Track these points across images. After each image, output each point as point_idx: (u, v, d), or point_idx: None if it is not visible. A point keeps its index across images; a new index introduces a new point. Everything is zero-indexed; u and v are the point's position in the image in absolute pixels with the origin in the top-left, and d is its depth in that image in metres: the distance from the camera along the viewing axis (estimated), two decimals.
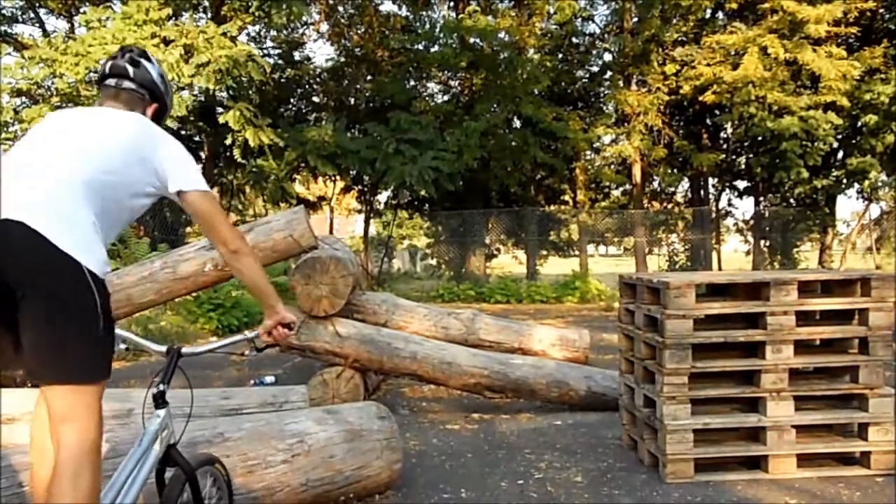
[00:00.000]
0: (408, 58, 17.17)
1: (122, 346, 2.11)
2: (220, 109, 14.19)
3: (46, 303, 1.64)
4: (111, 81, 2.09)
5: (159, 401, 2.00)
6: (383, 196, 18.83)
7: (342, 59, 19.04)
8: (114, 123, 1.95)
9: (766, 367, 3.20)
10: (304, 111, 18.44)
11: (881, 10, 15.25)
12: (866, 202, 17.26)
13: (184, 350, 2.10)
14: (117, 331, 1.96)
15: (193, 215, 2.02)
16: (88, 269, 1.70)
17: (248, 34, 16.54)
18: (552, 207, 19.97)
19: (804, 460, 3.24)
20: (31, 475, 1.87)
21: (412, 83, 18.01)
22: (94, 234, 1.78)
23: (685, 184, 20.00)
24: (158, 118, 2.16)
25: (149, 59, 2.15)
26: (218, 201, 2.10)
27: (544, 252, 19.21)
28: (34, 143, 1.88)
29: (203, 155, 16.44)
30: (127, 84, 2.09)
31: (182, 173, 1.97)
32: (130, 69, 2.09)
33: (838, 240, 18.23)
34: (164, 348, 2.10)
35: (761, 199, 18.28)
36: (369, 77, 18.38)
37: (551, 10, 16.73)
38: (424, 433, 4.17)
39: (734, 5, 15.57)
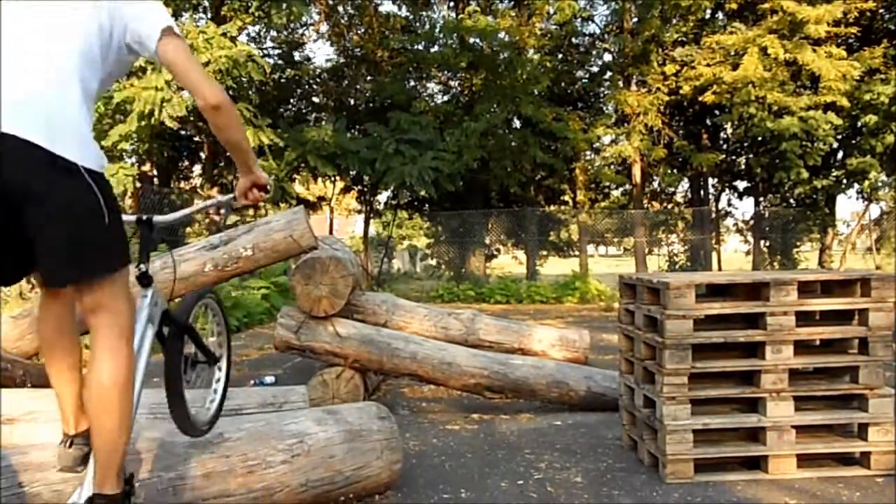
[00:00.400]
0: (408, 58, 17.18)
1: None
2: None
3: (53, 210, 1.65)
4: None
5: (144, 280, 2.04)
6: (383, 196, 18.85)
7: (342, 60, 19.05)
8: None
9: (766, 367, 3.20)
10: (304, 111, 18.44)
11: (881, 11, 15.26)
12: (866, 202, 17.26)
13: (156, 219, 2.08)
14: None
15: (167, 67, 1.89)
16: (86, 168, 1.70)
17: (248, 34, 16.53)
18: (552, 208, 19.98)
19: (804, 460, 3.24)
20: (49, 371, 1.91)
21: (412, 83, 18.02)
22: (87, 130, 1.76)
23: (685, 184, 20.01)
24: None
25: None
26: (191, 52, 1.97)
27: (544, 252, 19.21)
28: (12, 36, 1.74)
29: (203, 155, 16.44)
30: None
31: (149, 22, 1.84)
32: None
33: (838, 240, 18.23)
34: (133, 218, 2.06)
35: (761, 199, 18.28)
36: (369, 77, 18.38)
37: (551, 11, 16.73)
38: (424, 433, 4.17)
39: (734, 5, 15.57)
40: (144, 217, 2.07)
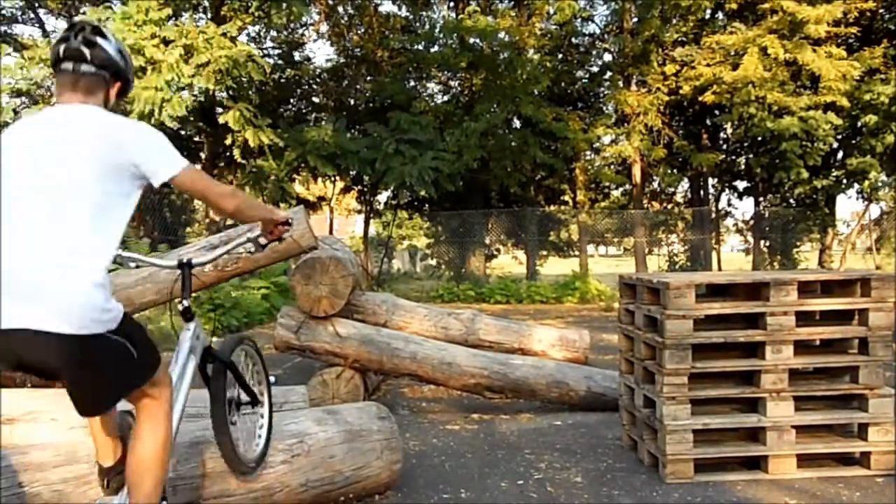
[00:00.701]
0: (408, 58, 17.17)
1: (132, 266, 2.32)
2: (219, 110, 14.19)
3: (89, 376, 1.82)
4: (67, 66, 1.92)
5: (187, 315, 2.23)
6: (383, 196, 18.84)
7: (342, 60, 19.04)
8: (76, 139, 1.84)
9: (766, 367, 3.20)
10: (304, 111, 18.43)
11: (881, 11, 15.25)
12: (866, 202, 17.26)
13: (194, 261, 2.27)
14: (125, 253, 2.22)
15: (187, 191, 2.05)
16: (110, 332, 1.80)
17: (248, 34, 16.54)
18: (552, 208, 19.98)
19: (804, 460, 3.24)
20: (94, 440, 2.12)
21: (412, 83, 18.01)
22: (102, 289, 1.81)
23: (685, 184, 20.00)
24: (122, 94, 2.09)
25: (104, 36, 1.98)
26: (201, 172, 2.13)
27: (544, 252, 19.20)
28: (21, 184, 1.80)
29: (203, 155, 16.44)
30: (85, 68, 1.93)
31: (161, 161, 1.93)
32: (87, 51, 1.93)
33: (838, 240, 18.22)
34: (174, 262, 2.24)
35: (761, 199, 18.27)
36: (369, 77, 18.37)
37: (551, 11, 16.72)
38: (424, 433, 4.17)
39: (734, 5, 15.57)
40: (185, 260, 2.26)
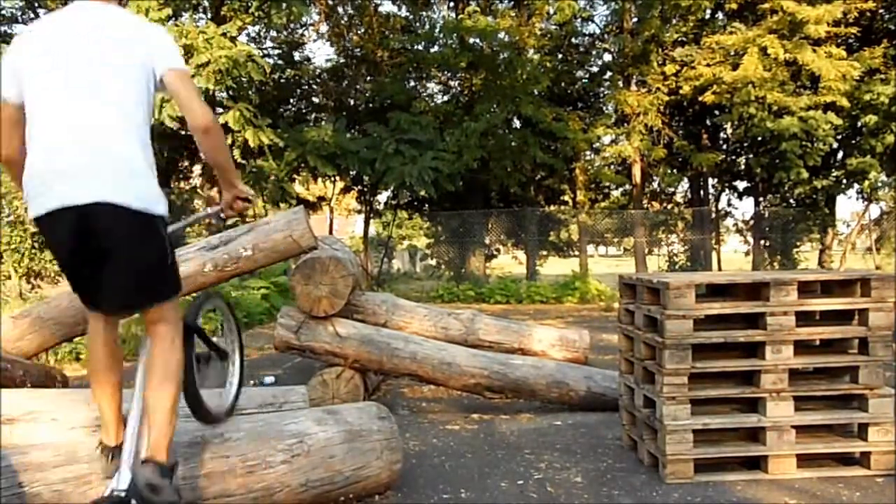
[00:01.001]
0: (408, 58, 17.17)
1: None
2: (220, 110, 14.17)
3: (131, 258, 2.02)
4: None
5: None
6: (383, 196, 18.84)
7: (342, 60, 19.03)
8: (110, 25, 2.07)
9: (766, 367, 3.20)
10: (303, 111, 18.43)
11: (881, 11, 15.25)
12: (866, 202, 17.26)
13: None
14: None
15: (170, 94, 2.16)
16: (155, 216, 2.05)
17: (247, 34, 16.53)
18: (552, 208, 19.97)
19: (804, 460, 3.24)
20: (94, 388, 2.26)
21: (412, 83, 18.01)
22: (150, 174, 2.06)
23: (685, 184, 20.00)
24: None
25: None
26: (191, 79, 2.27)
27: (544, 252, 19.20)
28: (46, 100, 2.00)
29: (203, 155, 16.40)
30: None
31: (162, 56, 2.13)
32: None
33: (838, 240, 18.22)
34: None
35: (761, 199, 18.27)
36: (369, 77, 18.37)
37: (551, 11, 16.73)
38: (424, 433, 4.17)
39: (734, 5, 15.57)
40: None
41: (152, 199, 2.05)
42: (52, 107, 1.98)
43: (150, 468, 1.98)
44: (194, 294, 3.49)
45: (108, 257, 2.00)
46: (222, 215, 2.48)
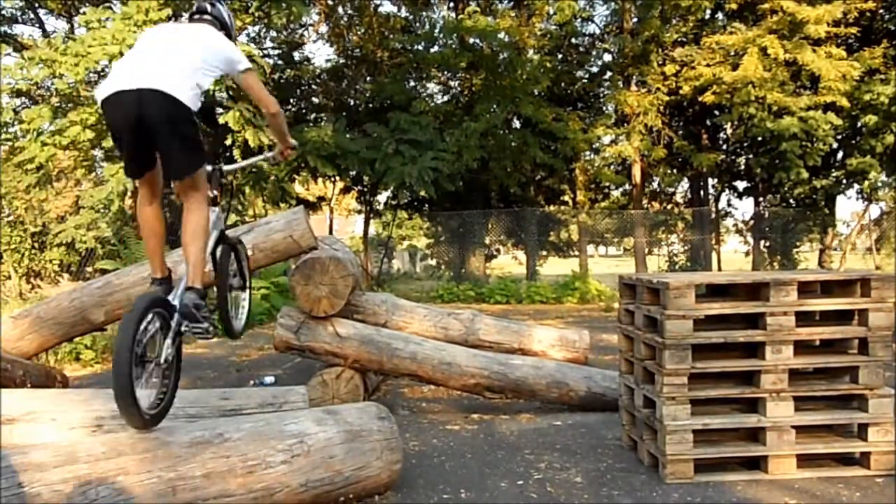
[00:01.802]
0: (408, 58, 17.16)
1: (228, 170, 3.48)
2: (220, 110, 14.17)
3: (181, 136, 2.78)
4: (196, 15, 3.20)
5: (213, 202, 3.09)
6: (383, 196, 18.82)
7: (342, 60, 19.03)
8: (200, 32, 3.05)
9: (765, 367, 3.20)
10: (303, 112, 18.42)
11: (881, 11, 15.25)
12: (866, 202, 17.26)
13: (224, 168, 3.32)
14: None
15: (246, 89, 3.13)
16: (193, 110, 2.82)
17: (248, 34, 16.52)
18: (552, 208, 19.96)
19: (804, 461, 3.24)
20: (146, 241, 3.03)
21: (412, 84, 17.99)
22: (195, 88, 2.84)
23: (685, 184, 19.99)
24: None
25: (222, 4, 3.27)
26: (259, 77, 3.22)
27: (544, 252, 19.19)
28: (155, 42, 2.99)
29: None
30: (206, 15, 3.18)
31: (241, 62, 3.05)
32: (208, 6, 3.21)
33: (838, 240, 18.22)
34: (209, 168, 3.12)
35: (761, 199, 18.26)
36: (369, 78, 18.36)
37: (551, 11, 16.71)
38: (424, 433, 4.17)
39: (734, 5, 15.57)
40: (217, 166, 3.23)
41: (187, 98, 2.77)
42: (144, 47, 2.94)
43: (191, 293, 2.79)
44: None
45: (152, 131, 2.71)
46: (272, 161, 3.55)
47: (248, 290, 3.63)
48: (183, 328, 2.78)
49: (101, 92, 2.77)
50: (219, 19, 3.20)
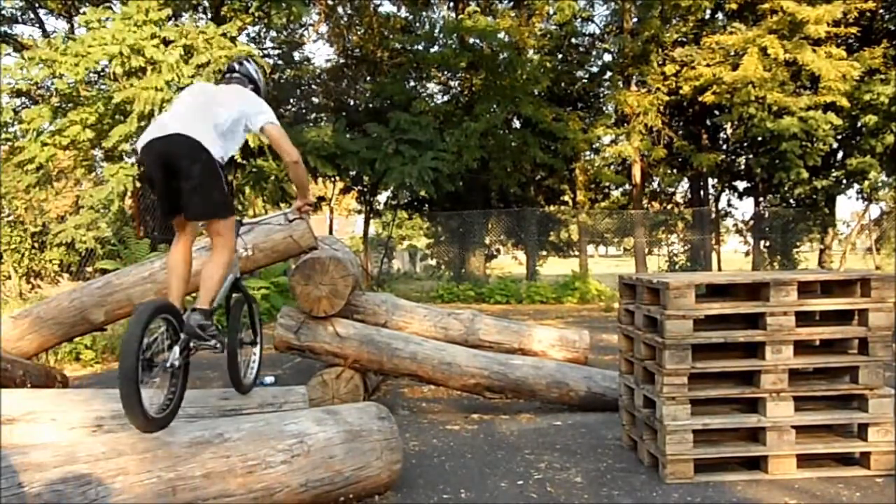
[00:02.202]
0: (408, 58, 17.16)
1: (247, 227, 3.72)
2: None
3: (201, 176, 2.93)
4: (227, 75, 3.53)
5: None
6: (383, 197, 18.82)
7: (342, 60, 19.03)
8: (227, 92, 3.34)
9: (765, 367, 3.20)
10: (303, 112, 18.41)
11: (881, 11, 15.26)
12: (866, 202, 17.26)
13: (244, 221, 3.59)
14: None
15: (270, 140, 3.31)
16: (215, 158, 2.98)
17: (247, 35, 16.52)
18: (552, 208, 19.96)
19: (804, 461, 3.24)
20: (170, 281, 3.14)
21: (412, 84, 17.99)
22: (219, 141, 3.05)
23: (685, 184, 20.00)
24: (256, 93, 3.48)
25: (249, 62, 3.60)
26: (282, 128, 3.38)
27: (544, 252, 19.19)
28: (188, 101, 3.24)
29: None
30: (235, 74, 3.50)
31: (261, 115, 3.29)
32: (237, 65, 3.55)
33: (838, 240, 18.22)
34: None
35: (761, 199, 18.27)
36: (369, 78, 18.37)
37: (551, 11, 16.72)
38: (424, 433, 4.17)
39: (734, 6, 15.57)
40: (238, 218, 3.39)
41: (214, 148, 2.98)
42: (180, 107, 3.18)
43: (197, 314, 2.94)
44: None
45: (181, 176, 2.91)
46: (290, 217, 3.66)
47: (259, 346, 3.70)
48: (191, 344, 2.95)
49: (140, 143, 3.01)
50: (247, 76, 3.50)
